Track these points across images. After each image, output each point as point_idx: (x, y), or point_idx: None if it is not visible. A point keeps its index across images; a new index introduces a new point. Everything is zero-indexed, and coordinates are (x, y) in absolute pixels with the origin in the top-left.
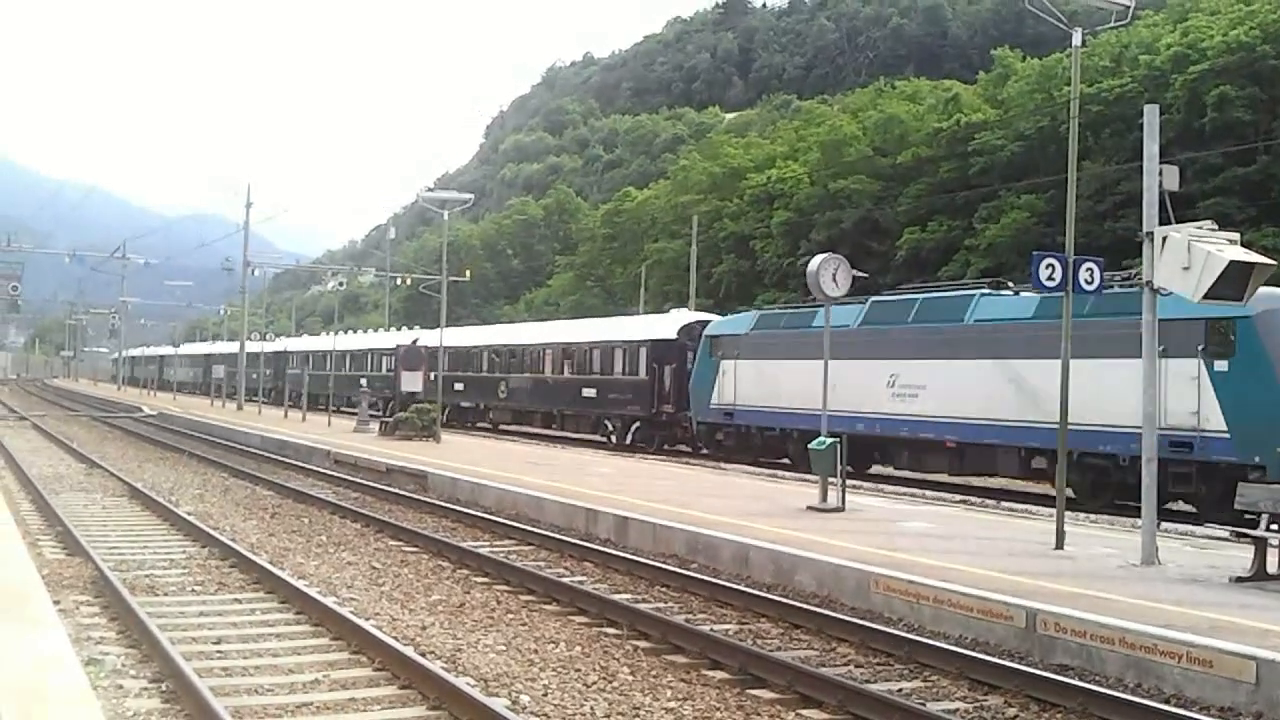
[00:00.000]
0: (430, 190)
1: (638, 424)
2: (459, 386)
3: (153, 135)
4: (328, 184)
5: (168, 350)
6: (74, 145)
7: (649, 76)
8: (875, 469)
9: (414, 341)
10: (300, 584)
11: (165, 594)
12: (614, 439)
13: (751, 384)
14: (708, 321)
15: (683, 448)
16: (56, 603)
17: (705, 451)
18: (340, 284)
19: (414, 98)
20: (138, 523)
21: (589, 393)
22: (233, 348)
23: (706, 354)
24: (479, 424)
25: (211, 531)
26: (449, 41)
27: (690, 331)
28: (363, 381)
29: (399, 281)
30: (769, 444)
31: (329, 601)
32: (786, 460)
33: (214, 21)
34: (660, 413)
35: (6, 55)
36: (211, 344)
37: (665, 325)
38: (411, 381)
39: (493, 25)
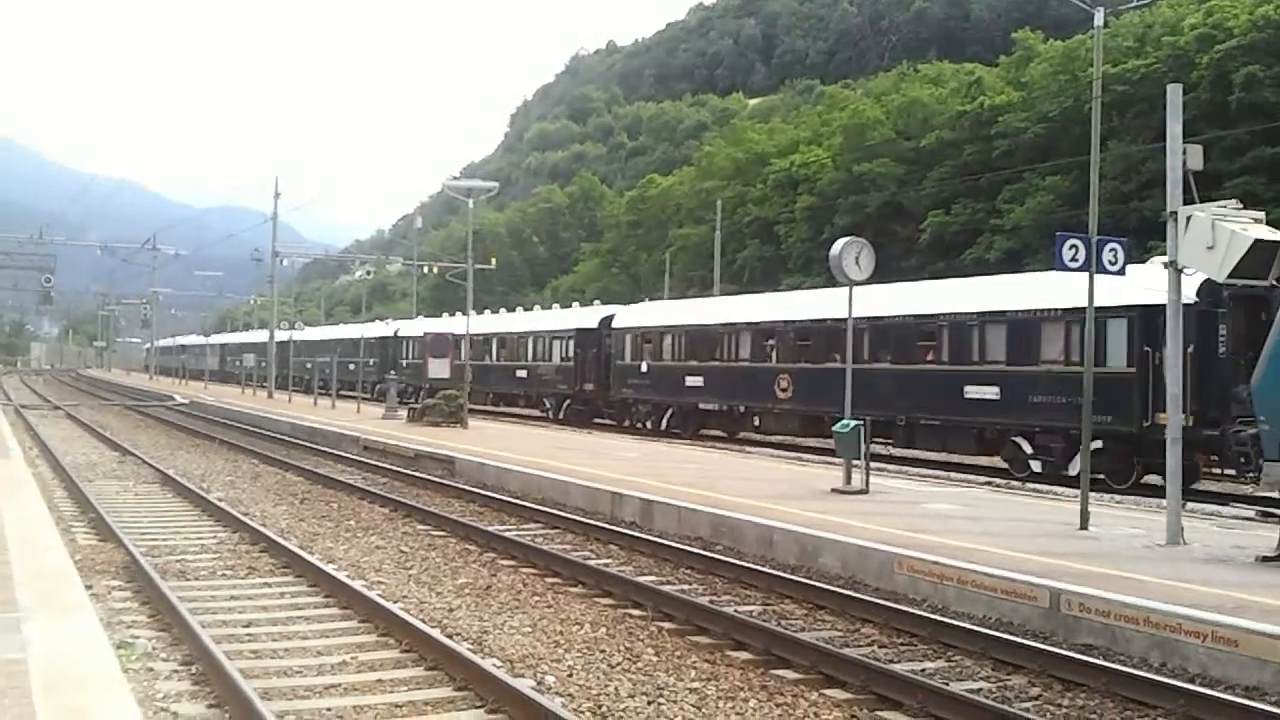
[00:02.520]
0: (456, 179)
1: (1107, 445)
2: (694, 381)
3: (183, 128)
4: (355, 175)
5: (234, 338)
6: (104, 139)
7: (672, 63)
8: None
9: (606, 320)
10: (329, 568)
11: (196, 578)
12: (1038, 465)
13: None
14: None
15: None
16: (89, 587)
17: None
18: (368, 273)
19: (439, 88)
20: (169, 509)
21: (981, 393)
22: (331, 332)
23: None
24: (714, 431)
25: (242, 517)
26: (473, 32)
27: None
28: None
29: (426, 270)
30: None
31: (358, 585)
32: None
33: (242, 15)
34: (1151, 425)
35: (37, 52)
36: (289, 331)
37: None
38: (439, 368)
39: (516, 14)
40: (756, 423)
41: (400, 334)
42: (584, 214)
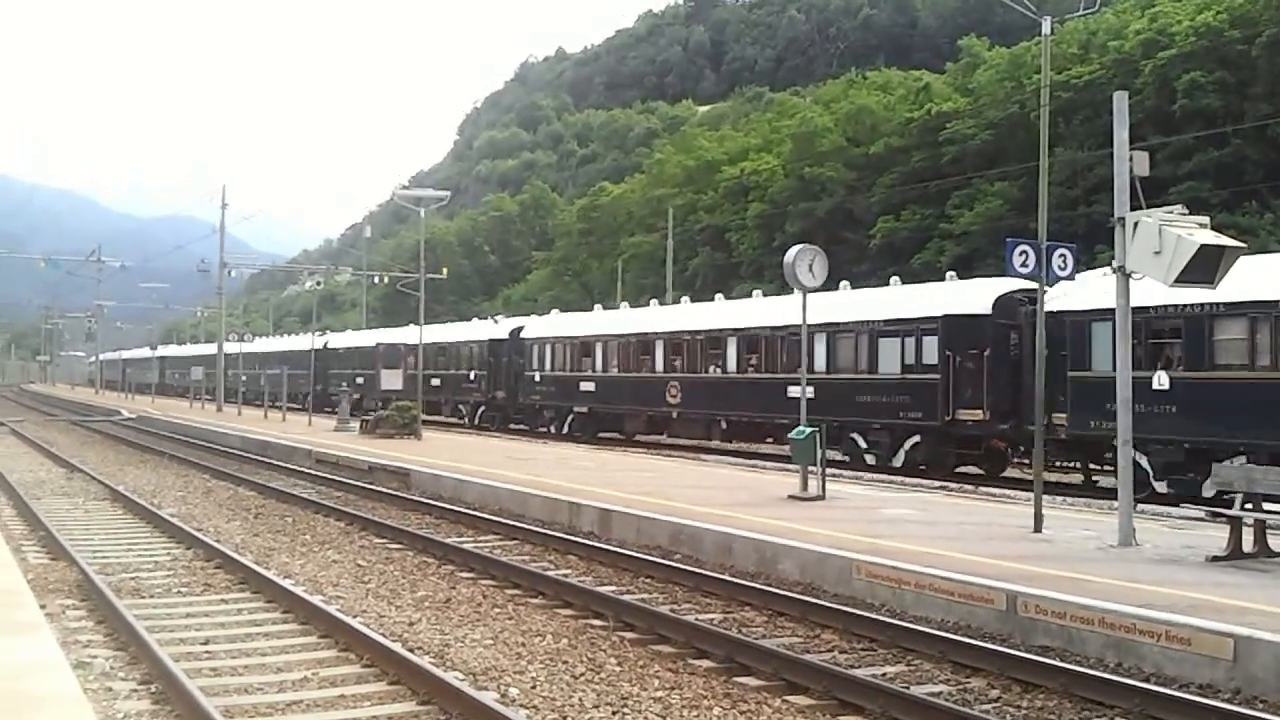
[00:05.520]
0: (405, 188)
1: None
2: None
3: (128, 139)
4: (304, 184)
5: (206, 350)
6: (48, 150)
7: (621, 71)
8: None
9: (1010, 299)
10: (286, 583)
11: (151, 596)
12: None
13: None
14: None
15: None
16: (43, 607)
17: None
18: (317, 283)
19: (388, 96)
20: (121, 526)
21: None
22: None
23: None
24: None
25: (195, 533)
26: (422, 39)
27: None
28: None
29: (376, 280)
30: None
31: (316, 600)
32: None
33: (189, 24)
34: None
35: None
36: (280, 338)
37: None
38: (391, 380)
39: (465, 22)
40: None
41: (525, 335)
42: (535, 222)
